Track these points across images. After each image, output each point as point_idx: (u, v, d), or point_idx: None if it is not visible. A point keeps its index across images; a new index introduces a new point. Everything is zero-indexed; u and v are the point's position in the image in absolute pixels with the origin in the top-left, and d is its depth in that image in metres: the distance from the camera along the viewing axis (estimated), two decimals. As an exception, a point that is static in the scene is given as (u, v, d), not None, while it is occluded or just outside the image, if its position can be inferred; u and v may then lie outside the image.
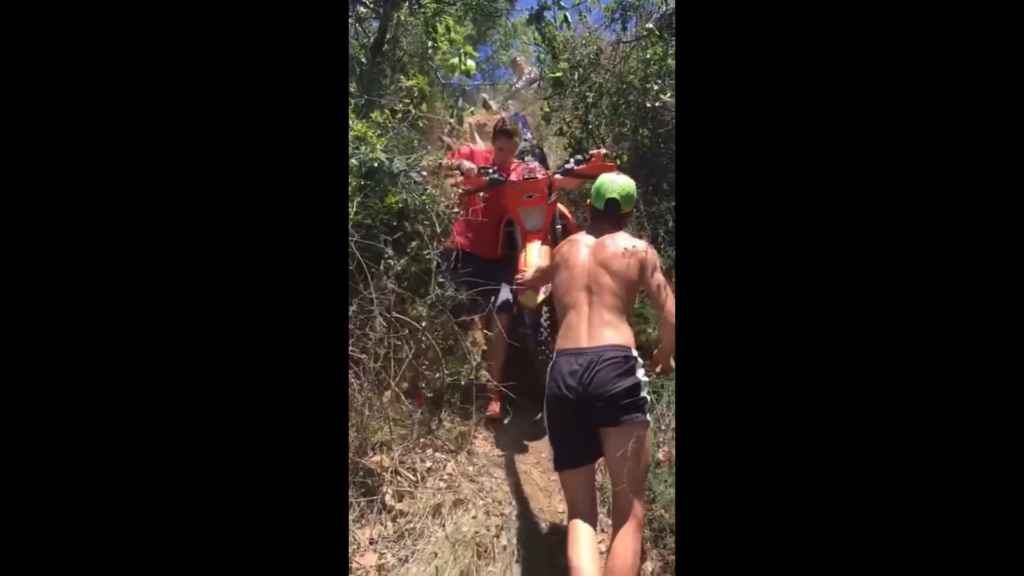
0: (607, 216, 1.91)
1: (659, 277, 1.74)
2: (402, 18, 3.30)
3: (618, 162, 2.96)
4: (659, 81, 2.83)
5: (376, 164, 2.25)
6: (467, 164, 2.48)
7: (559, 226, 2.59)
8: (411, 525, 2.07)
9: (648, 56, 2.96)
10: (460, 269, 2.44)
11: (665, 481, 1.98)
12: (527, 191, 2.40)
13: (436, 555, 1.88)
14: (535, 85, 5.11)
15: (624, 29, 3.05)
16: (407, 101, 2.46)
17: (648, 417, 1.63)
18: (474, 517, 2.02)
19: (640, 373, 1.64)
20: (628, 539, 1.56)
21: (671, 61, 3.00)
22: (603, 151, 2.54)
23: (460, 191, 2.43)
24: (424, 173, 2.46)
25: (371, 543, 2.01)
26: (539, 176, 2.44)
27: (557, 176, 2.53)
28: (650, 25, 2.85)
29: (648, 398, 1.64)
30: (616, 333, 1.68)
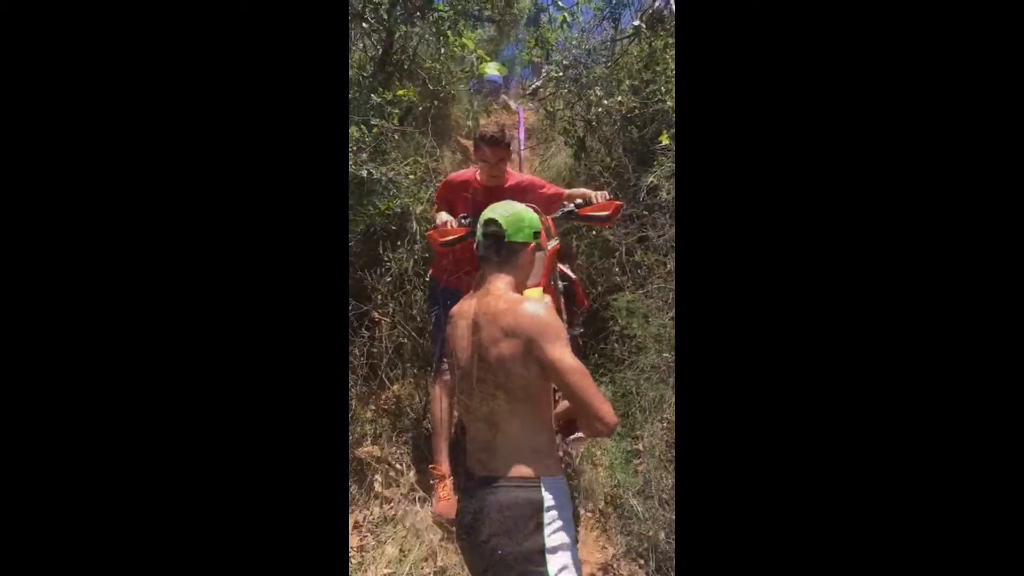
0: (490, 250, 1.27)
1: (556, 354, 1.11)
2: (416, 28, 3.44)
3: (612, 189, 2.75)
4: (631, 80, 2.85)
5: (363, 175, 2.44)
6: (443, 216, 2.09)
7: (561, 284, 2.06)
8: (392, 511, 2.23)
9: (635, 52, 2.99)
10: (440, 301, 2.19)
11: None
12: None
13: (406, 538, 2.03)
14: (552, 84, 5.16)
15: (617, 28, 3.08)
16: (395, 113, 2.59)
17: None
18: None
19: (550, 524, 1.14)
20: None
21: (664, 58, 3.00)
22: (597, 196, 2.08)
23: (441, 242, 2.00)
24: (411, 177, 2.62)
25: (356, 526, 2.19)
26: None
27: (557, 218, 2.07)
28: (637, 22, 2.87)
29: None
30: (517, 451, 1.17)
